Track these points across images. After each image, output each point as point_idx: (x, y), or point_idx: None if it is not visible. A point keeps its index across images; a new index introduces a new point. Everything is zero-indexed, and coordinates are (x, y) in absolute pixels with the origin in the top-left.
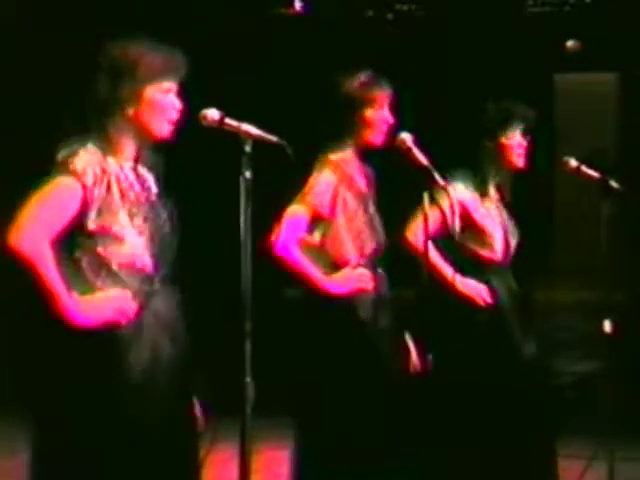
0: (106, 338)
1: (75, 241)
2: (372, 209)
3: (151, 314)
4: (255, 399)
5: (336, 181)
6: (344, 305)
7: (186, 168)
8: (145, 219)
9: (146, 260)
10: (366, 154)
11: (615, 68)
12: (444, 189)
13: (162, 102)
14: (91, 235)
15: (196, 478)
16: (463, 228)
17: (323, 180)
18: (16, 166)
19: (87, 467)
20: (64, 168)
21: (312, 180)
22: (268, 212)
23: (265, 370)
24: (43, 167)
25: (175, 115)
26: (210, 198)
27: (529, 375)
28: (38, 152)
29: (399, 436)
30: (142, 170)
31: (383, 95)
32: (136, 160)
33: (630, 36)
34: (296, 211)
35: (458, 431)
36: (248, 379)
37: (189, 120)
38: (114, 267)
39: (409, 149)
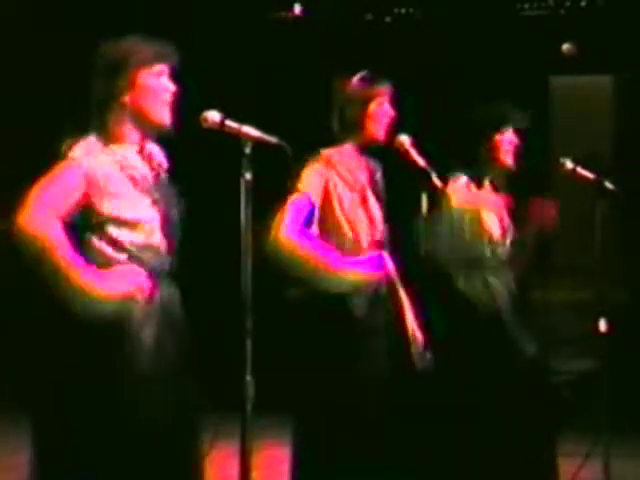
0: (117, 322)
1: (88, 226)
2: (372, 201)
3: (162, 296)
4: (255, 396)
5: (326, 173)
6: (337, 301)
7: (187, 169)
8: (155, 200)
9: (159, 240)
10: (368, 150)
11: (610, 71)
12: (442, 191)
13: (155, 85)
14: (103, 222)
15: (199, 471)
16: (463, 213)
17: (313, 172)
18: (15, 167)
19: (88, 458)
20: (66, 157)
21: (303, 174)
22: (268, 213)
23: (266, 368)
24: (42, 166)
25: (169, 97)
26: (211, 199)
27: (528, 374)
28: (37, 153)
29: (398, 434)
30: (150, 147)
31: (384, 90)
32: (141, 145)
33: (625, 39)
34: (295, 198)
35: (457, 430)
36: (248, 377)
37: (190, 122)
38: (129, 248)
39: (407, 151)
